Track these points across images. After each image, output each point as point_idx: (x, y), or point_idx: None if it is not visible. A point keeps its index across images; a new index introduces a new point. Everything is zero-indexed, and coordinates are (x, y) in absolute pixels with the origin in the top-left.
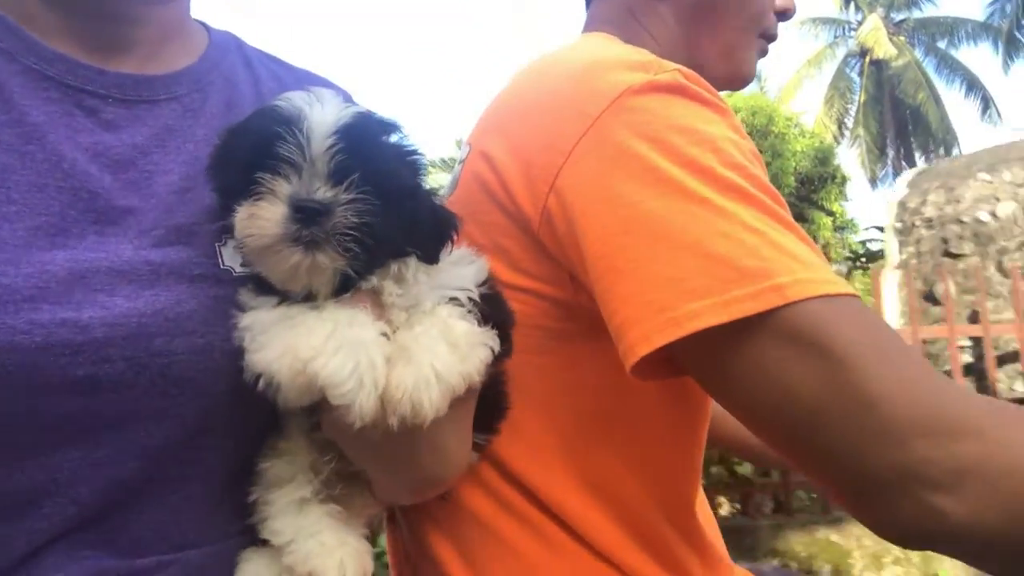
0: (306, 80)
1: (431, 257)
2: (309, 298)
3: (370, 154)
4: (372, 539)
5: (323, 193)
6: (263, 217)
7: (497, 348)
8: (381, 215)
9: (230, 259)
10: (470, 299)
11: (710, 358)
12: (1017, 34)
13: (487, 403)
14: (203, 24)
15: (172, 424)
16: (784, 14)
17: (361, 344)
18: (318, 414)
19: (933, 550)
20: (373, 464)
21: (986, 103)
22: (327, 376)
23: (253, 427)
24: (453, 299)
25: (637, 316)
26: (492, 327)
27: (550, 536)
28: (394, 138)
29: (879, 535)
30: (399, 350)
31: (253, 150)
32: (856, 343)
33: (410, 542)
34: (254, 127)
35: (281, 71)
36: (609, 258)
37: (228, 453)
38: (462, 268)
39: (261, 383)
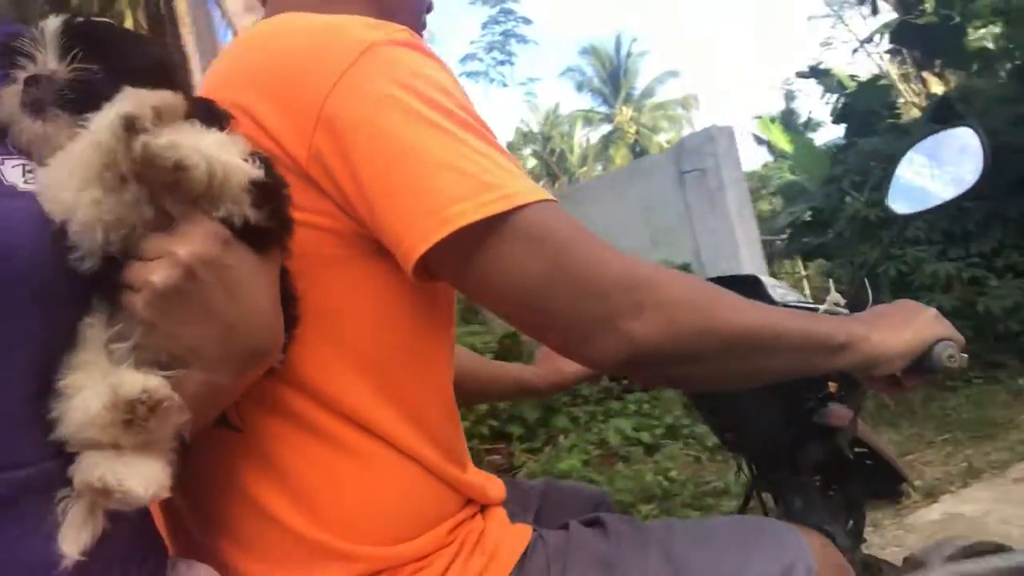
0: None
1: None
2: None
3: (92, 35)
4: None
5: (51, 67)
6: (4, 95)
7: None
8: (102, 73)
9: (12, 175)
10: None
11: (469, 256)
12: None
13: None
14: None
15: None
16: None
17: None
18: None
19: (635, 375)
20: (181, 333)
21: None
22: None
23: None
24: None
25: (413, 222)
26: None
27: (354, 444)
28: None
29: (594, 368)
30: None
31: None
32: (568, 233)
33: (201, 485)
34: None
35: None
36: (381, 180)
37: (22, 370)
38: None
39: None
